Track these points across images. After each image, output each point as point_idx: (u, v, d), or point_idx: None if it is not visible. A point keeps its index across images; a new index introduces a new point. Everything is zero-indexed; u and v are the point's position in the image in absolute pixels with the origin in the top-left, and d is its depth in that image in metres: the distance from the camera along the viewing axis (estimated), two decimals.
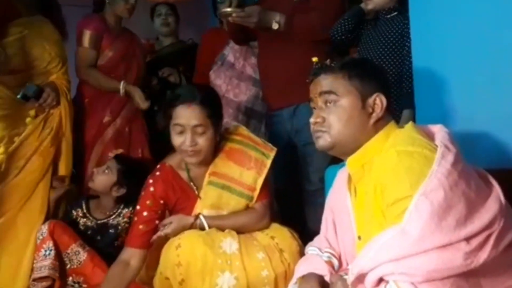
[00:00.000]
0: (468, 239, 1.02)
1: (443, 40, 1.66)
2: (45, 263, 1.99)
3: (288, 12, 2.16)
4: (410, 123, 1.30)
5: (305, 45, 2.16)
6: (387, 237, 1.06)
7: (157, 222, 1.79)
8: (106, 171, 2.19)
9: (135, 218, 1.81)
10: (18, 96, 2.15)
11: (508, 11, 1.45)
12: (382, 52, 2.00)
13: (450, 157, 1.11)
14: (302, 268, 1.41)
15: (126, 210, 2.20)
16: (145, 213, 1.79)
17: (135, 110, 2.65)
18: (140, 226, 1.78)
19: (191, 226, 1.74)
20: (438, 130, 1.24)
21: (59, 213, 2.29)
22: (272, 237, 1.74)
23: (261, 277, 1.63)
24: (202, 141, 1.73)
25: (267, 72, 2.37)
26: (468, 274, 1.03)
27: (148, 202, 1.80)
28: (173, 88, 2.63)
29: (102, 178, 2.19)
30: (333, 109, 1.29)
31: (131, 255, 1.76)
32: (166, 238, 1.75)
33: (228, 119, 2.57)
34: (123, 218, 2.19)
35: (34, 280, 2.00)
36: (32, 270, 2.03)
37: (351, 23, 2.11)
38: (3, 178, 2.11)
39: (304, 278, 1.38)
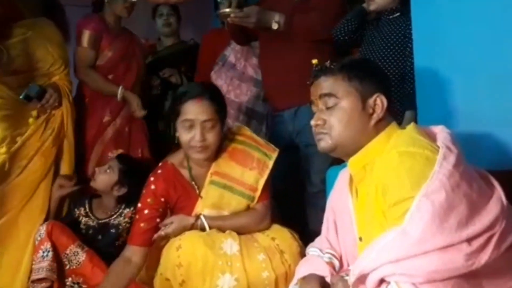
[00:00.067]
0: (469, 240, 1.02)
1: (445, 41, 1.65)
2: (43, 265, 1.98)
3: (288, 12, 2.16)
4: (412, 124, 1.30)
5: (306, 45, 2.15)
6: (389, 238, 1.06)
7: (158, 220, 1.79)
8: (108, 170, 2.20)
9: (137, 216, 1.82)
10: (21, 97, 2.15)
11: (511, 12, 1.44)
12: (384, 53, 2.00)
13: (451, 158, 1.11)
14: (303, 269, 1.41)
15: (127, 210, 2.20)
16: (146, 211, 1.79)
17: None
18: (142, 224, 1.78)
19: (192, 227, 1.74)
20: (440, 131, 1.24)
21: (62, 211, 2.29)
22: (273, 238, 1.74)
23: (261, 278, 1.63)
24: (211, 137, 1.73)
25: (268, 72, 2.37)
26: (469, 276, 1.03)
27: (149, 200, 1.80)
28: (174, 89, 2.63)
29: (104, 178, 2.19)
30: (334, 111, 1.29)
31: (132, 253, 1.77)
32: (166, 238, 1.75)
33: (229, 120, 2.57)
34: (124, 218, 2.19)
35: (33, 281, 1.99)
36: (31, 271, 2.02)
37: (354, 23, 2.11)
38: (6, 178, 2.11)
39: (305, 279, 1.38)
